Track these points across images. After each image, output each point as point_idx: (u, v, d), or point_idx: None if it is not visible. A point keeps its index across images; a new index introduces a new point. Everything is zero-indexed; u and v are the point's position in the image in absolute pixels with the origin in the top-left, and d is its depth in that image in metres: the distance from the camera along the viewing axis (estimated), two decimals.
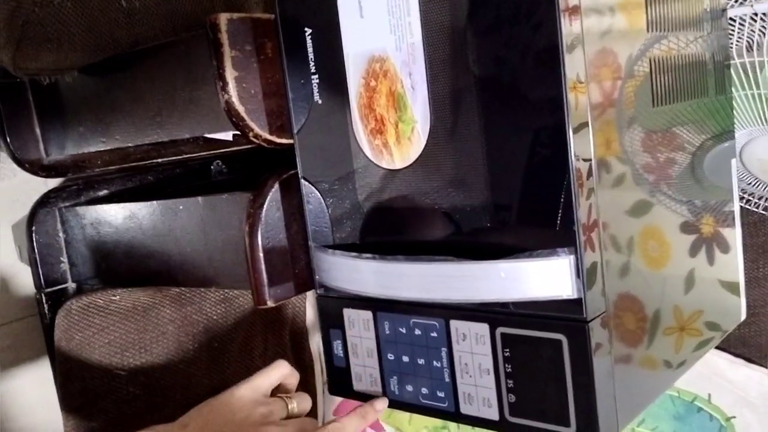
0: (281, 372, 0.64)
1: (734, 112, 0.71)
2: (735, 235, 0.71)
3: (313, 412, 0.85)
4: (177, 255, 0.76)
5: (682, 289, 0.62)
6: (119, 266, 0.84)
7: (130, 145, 0.75)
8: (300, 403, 0.64)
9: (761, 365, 0.84)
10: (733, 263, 0.71)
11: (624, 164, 0.53)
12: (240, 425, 0.58)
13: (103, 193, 0.91)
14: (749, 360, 0.85)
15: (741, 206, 0.74)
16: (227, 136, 0.66)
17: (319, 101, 0.61)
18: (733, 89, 0.70)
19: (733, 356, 0.85)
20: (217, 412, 0.59)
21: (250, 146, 0.64)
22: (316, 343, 0.88)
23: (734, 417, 0.87)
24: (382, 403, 0.61)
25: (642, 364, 0.57)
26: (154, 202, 0.77)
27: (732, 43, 0.70)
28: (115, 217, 0.82)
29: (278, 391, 0.65)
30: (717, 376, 0.85)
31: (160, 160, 0.74)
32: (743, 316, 0.73)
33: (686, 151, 0.63)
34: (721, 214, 0.69)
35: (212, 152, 0.70)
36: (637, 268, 0.55)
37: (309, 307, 0.88)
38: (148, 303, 0.82)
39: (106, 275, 0.87)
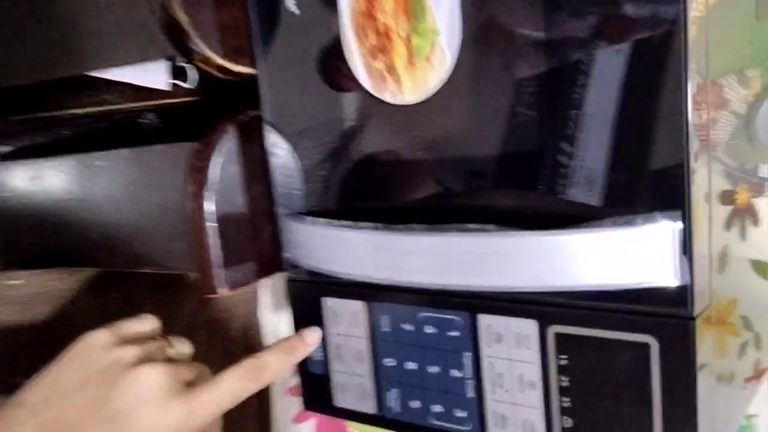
0: (148, 324, 0.50)
1: None
2: None
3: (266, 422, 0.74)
4: (97, 227, 0.62)
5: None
6: (23, 241, 0.70)
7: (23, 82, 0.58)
8: (178, 346, 0.50)
9: None
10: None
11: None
12: (107, 371, 0.44)
13: (2, 149, 0.74)
14: None
15: None
16: (161, 83, 0.50)
17: (296, 11, 0.45)
18: None
19: None
20: (67, 372, 0.44)
21: (191, 99, 0.53)
22: (272, 334, 0.73)
23: (756, 415, 0.78)
24: (313, 334, 0.50)
25: (724, 374, 0.43)
26: (66, 157, 0.62)
27: None
28: (16, 177, 0.68)
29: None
30: None
31: (77, 111, 0.61)
32: None
33: (743, 101, 0.50)
34: (757, 180, 0.57)
35: (144, 104, 0.56)
36: None
37: (263, 289, 0.73)
38: (60, 289, 0.72)
39: (6, 253, 0.73)
